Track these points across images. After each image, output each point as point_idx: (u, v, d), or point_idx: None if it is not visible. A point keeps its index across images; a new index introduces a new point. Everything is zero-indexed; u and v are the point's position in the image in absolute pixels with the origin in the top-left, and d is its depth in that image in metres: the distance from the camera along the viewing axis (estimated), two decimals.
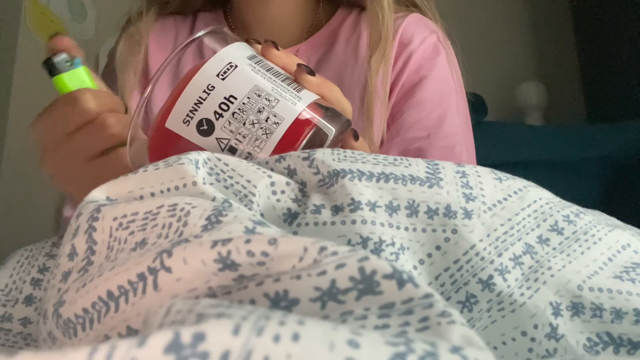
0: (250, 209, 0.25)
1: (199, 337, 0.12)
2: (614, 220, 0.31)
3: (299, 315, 0.14)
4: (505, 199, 0.28)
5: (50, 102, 0.44)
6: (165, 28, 0.66)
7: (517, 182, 0.30)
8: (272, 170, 0.29)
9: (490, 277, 0.26)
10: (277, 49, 0.38)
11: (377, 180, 0.27)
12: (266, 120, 0.33)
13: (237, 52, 0.36)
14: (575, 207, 0.30)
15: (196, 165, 0.25)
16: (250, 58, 0.36)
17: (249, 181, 0.26)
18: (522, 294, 0.26)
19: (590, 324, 0.25)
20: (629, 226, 0.31)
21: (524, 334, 0.25)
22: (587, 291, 0.26)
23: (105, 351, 0.12)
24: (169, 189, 0.24)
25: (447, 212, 0.27)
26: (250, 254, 0.17)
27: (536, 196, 0.29)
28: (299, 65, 0.37)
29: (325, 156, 0.28)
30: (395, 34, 0.59)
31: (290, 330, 0.13)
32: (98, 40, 1.73)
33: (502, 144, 1.12)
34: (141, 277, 0.17)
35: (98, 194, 0.23)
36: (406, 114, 0.57)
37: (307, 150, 0.29)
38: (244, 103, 0.33)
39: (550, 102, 1.55)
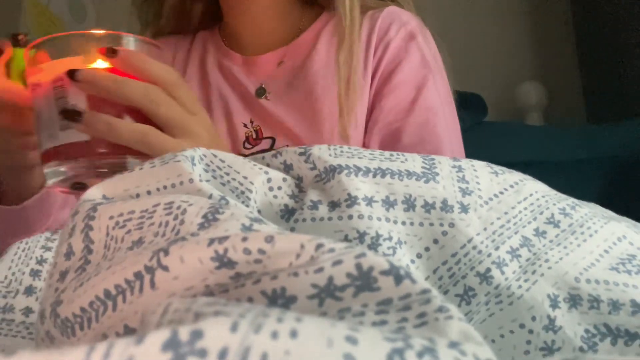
0: (247, 206, 0.25)
1: (197, 335, 0.12)
2: (609, 213, 0.31)
3: (296, 313, 0.14)
4: (501, 193, 0.29)
5: None
6: (165, 47, 0.68)
7: (513, 176, 0.30)
8: (268, 165, 0.29)
9: (488, 270, 0.26)
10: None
11: (374, 176, 0.27)
12: None
13: None
14: (571, 200, 0.30)
15: (192, 162, 0.25)
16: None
17: (245, 178, 0.26)
18: (519, 287, 0.26)
19: (588, 316, 0.25)
20: (624, 218, 0.31)
21: (522, 326, 0.25)
22: (584, 283, 0.26)
23: (103, 350, 0.12)
24: (165, 187, 0.24)
25: (444, 207, 0.27)
26: (247, 251, 0.16)
27: (532, 189, 0.29)
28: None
29: (321, 152, 0.28)
30: (373, 27, 0.62)
31: (288, 327, 0.13)
32: None
33: (502, 144, 1.11)
34: (138, 275, 0.17)
35: (94, 193, 0.23)
36: (385, 99, 0.59)
37: (304, 146, 0.29)
38: None
39: (550, 102, 1.53)
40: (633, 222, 0.31)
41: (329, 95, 0.58)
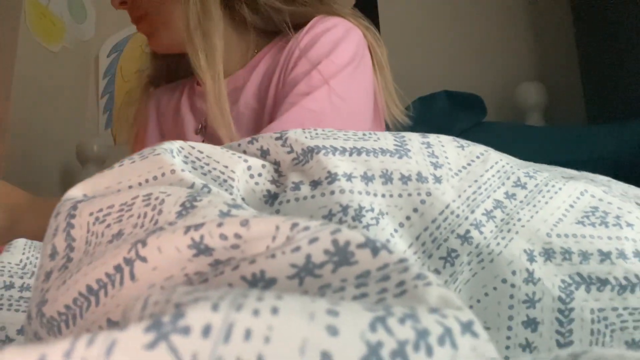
0: (231, 194, 0.25)
1: (179, 316, 0.12)
2: (568, 172, 0.32)
3: (276, 292, 0.13)
4: (469, 164, 0.29)
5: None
6: (161, 96, 0.79)
7: (478, 148, 0.30)
8: (245, 152, 0.28)
9: (467, 231, 0.26)
10: None
11: (350, 154, 0.27)
12: None
13: None
14: (532, 166, 0.31)
15: (172, 154, 0.24)
16: None
17: (226, 167, 0.26)
18: (498, 244, 0.26)
19: (562, 267, 0.26)
20: (583, 174, 0.32)
21: (504, 281, 0.25)
22: (555, 237, 0.26)
23: (87, 338, 0.12)
24: (147, 180, 0.23)
25: (419, 178, 0.27)
26: (223, 237, 0.16)
27: (497, 158, 0.30)
28: None
29: (297, 135, 0.28)
30: (300, 34, 0.63)
31: (268, 304, 0.12)
32: (98, 41, 1.68)
33: (501, 144, 1.08)
34: (118, 268, 0.17)
35: (75, 192, 0.22)
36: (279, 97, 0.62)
37: (279, 131, 0.29)
38: None
39: (550, 102, 1.46)
40: (591, 177, 0.31)
41: (244, 123, 0.63)
